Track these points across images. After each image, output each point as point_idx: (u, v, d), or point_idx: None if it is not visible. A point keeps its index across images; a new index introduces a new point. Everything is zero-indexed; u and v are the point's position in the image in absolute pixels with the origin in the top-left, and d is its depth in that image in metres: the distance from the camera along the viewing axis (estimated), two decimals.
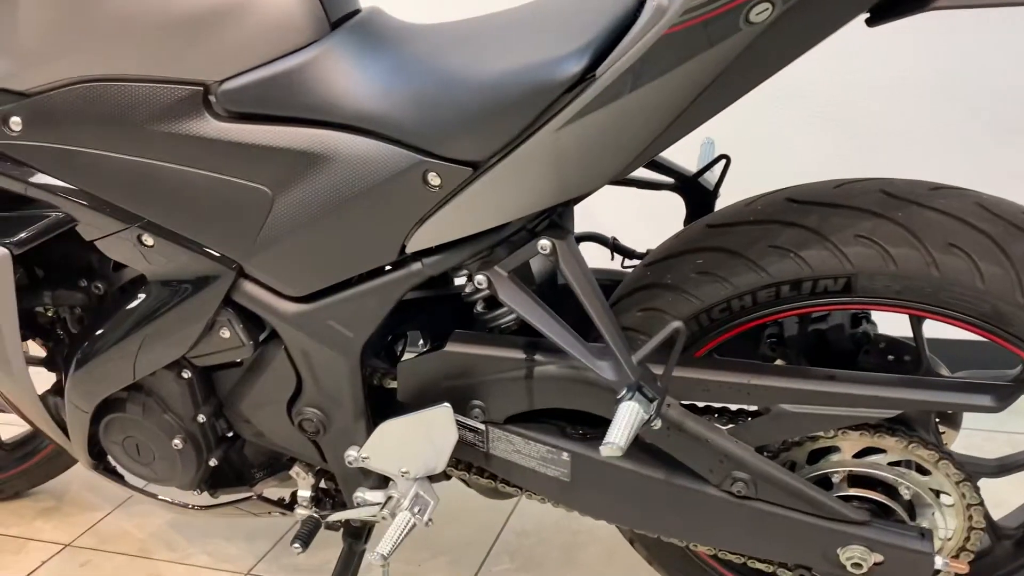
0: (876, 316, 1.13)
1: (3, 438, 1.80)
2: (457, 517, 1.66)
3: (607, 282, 1.19)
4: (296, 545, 1.25)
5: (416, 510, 1.15)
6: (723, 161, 1.24)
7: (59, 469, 1.83)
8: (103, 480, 1.87)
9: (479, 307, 1.17)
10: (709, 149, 1.34)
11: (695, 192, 1.27)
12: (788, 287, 0.99)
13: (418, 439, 1.13)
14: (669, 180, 1.27)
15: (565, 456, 1.10)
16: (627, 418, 0.89)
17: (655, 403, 0.92)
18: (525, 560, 1.60)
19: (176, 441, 1.23)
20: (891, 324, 1.11)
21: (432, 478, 1.19)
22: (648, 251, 1.28)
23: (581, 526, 1.68)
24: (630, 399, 0.91)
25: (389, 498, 1.20)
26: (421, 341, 1.32)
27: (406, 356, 1.24)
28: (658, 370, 1.00)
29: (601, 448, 0.88)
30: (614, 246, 1.31)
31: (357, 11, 1.08)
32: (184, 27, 0.98)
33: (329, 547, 1.51)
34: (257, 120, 1.01)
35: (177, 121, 1.01)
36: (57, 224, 1.07)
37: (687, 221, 1.29)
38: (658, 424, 0.94)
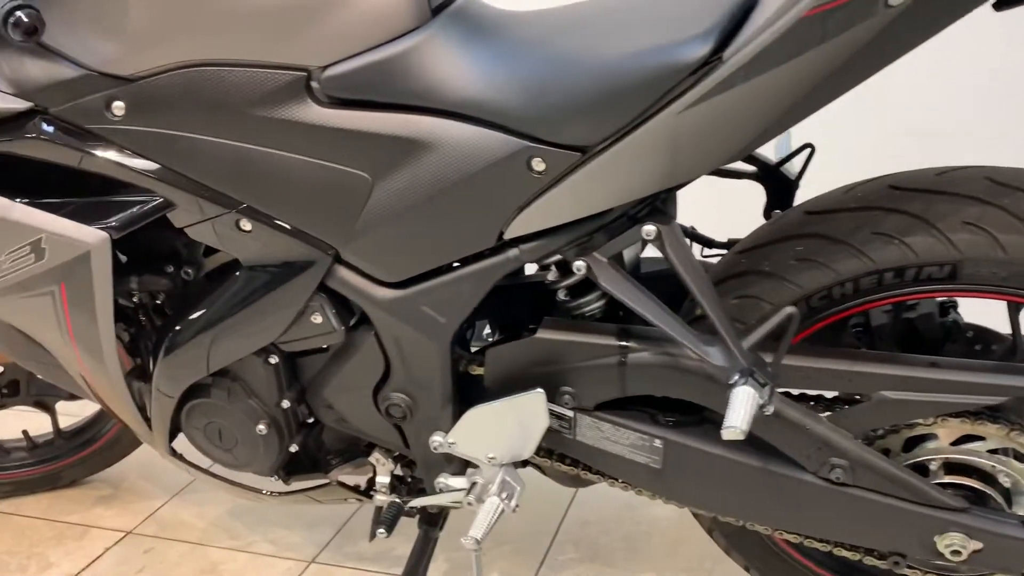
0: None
1: (61, 426, 1.81)
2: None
3: None
4: (381, 531, 1.25)
5: (504, 495, 1.16)
6: (807, 151, 1.24)
7: (116, 457, 1.84)
8: (159, 469, 1.90)
9: (562, 295, 1.17)
10: (786, 138, 1.34)
11: (776, 181, 1.27)
12: (892, 274, 0.99)
13: (508, 425, 1.13)
14: (750, 168, 1.27)
15: (657, 443, 1.10)
16: (745, 402, 0.90)
17: (766, 388, 0.93)
18: (589, 550, 1.60)
19: (260, 427, 1.23)
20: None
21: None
22: (730, 240, 1.28)
23: (643, 517, 1.68)
24: (744, 384, 0.91)
25: (474, 484, 1.21)
26: (488, 330, 1.32)
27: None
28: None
29: (723, 432, 0.89)
30: (693, 235, 1.31)
31: None
32: (289, 12, 0.99)
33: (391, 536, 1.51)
34: (359, 106, 1.01)
35: (279, 106, 1.01)
36: (155, 209, 1.08)
37: (767, 211, 1.30)
38: (770, 409, 0.94)
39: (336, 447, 1.34)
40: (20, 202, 1.08)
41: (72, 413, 1.83)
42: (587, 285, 1.14)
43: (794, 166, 1.27)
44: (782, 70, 0.82)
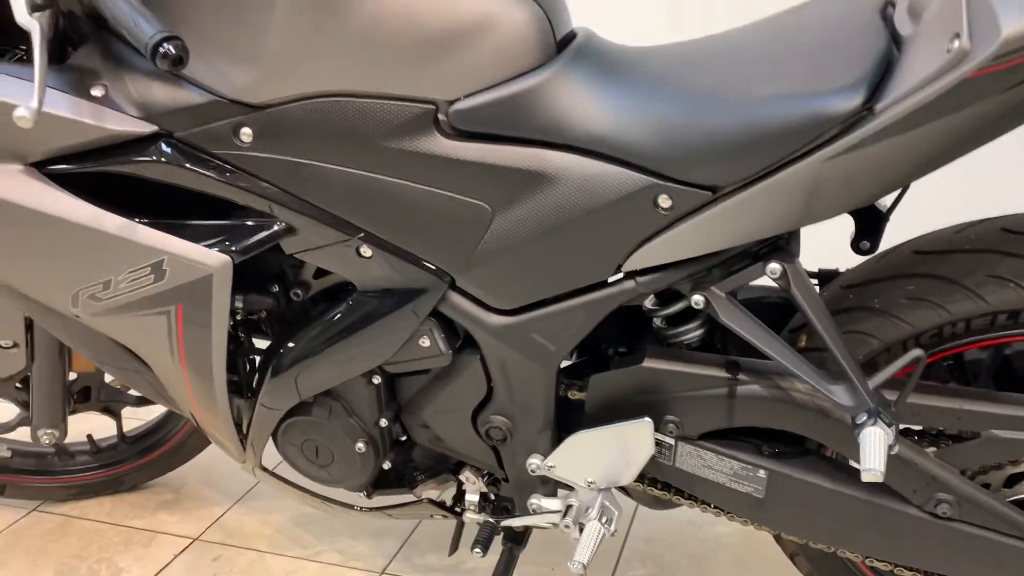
0: None
1: (124, 430, 1.82)
2: None
3: (777, 299, 1.21)
4: (477, 550, 1.27)
5: (604, 519, 1.18)
6: None
7: (179, 462, 1.86)
8: (218, 473, 1.92)
9: (659, 322, 1.19)
10: None
11: (866, 213, 1.29)
12: (1006, 316, 1.01)
13: (612, 451, 1.15)
14: None
15: (761, 473, 1.12)
16: (877, 443, 0.92)
17: (892, 428, 0.95)
18: (657, 566, 1.63)
19: (359, 445, 1.25)
20: None
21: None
22: (821, 270, 1.30)
23: (707, 534, 1.70)
24: (872, 425, 0.94)
25: (569, 506, 1.23)
26: None
27: None
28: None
29: (863, 475, 0.91)
30: None
31: (574, 33, 1.10)
32: (423, 47, 1.00)
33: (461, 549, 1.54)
34: (484, 139, 1.03)
35: (406, 138, 1.03)
36: (277, 234, 1.09)
37: (855, 242, 1.31)
38: (896, 449, 0.96)
39: (424, 464, 1.36)
40: (142, 222, 1.09)
41: (136, 417, 1.85)
42: (687, 314, 1.17)
43: (887, 199, 1.29)
44: (941, 123, 0.84)
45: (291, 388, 1.21)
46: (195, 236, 1.09)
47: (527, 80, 1.02)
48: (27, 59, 1.27)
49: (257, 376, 1.25)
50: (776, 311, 1.18)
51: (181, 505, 1.84)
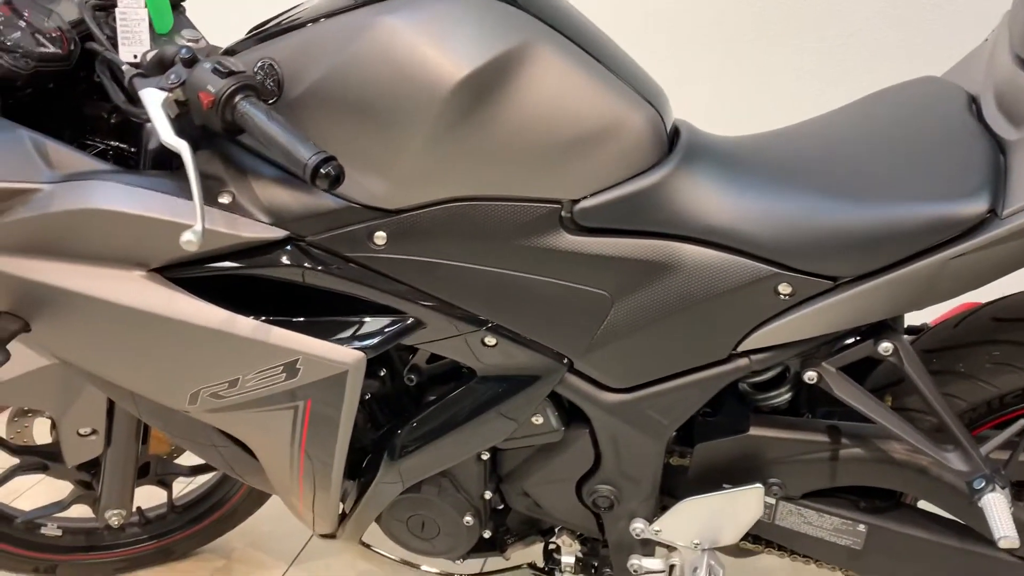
0: None
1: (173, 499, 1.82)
2: None
3: None
4: None
5: None
6: None
7: (229, 527, 1.86)
8: (265, 536, 1.93)
9: (746, 386, 1.27)
10: None
11: None
12: None
13: (721, 516, 1.22)
14: None
15: (861, 528, 1.21)
16: (1004, 509, 1.01)
17: (1007, 490, 1.04)
18: None
19: (467, 518, 1.30)
20: None
21: None
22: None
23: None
24: (992, 491, 1.03)
25: (672, 566, 1.30)
26: None
27: None
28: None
29: (1000, 542, 1.00)
30: None
31: (676, 127, 1.17)
32: (550, 153, 1.05)
33: None
34: (606, 233, 1.09)
35: (533, 235, 1.08)
36: (407, 328, 1.13)
37: None
38: (1013, 508, 1.06)
39: (516, 527, 1.41)
40: (272, 321, 1.12)
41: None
42: (776, 379, 1.25)
43: None
44: None
45: (414, 470, 1.25)
46: (327, 333, 1.12)
47: (647, 178, 1.08)
48: (112, 154, 1.28)
49: (370, 458, 1.29)
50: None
51: (234, 572, 1.84)
